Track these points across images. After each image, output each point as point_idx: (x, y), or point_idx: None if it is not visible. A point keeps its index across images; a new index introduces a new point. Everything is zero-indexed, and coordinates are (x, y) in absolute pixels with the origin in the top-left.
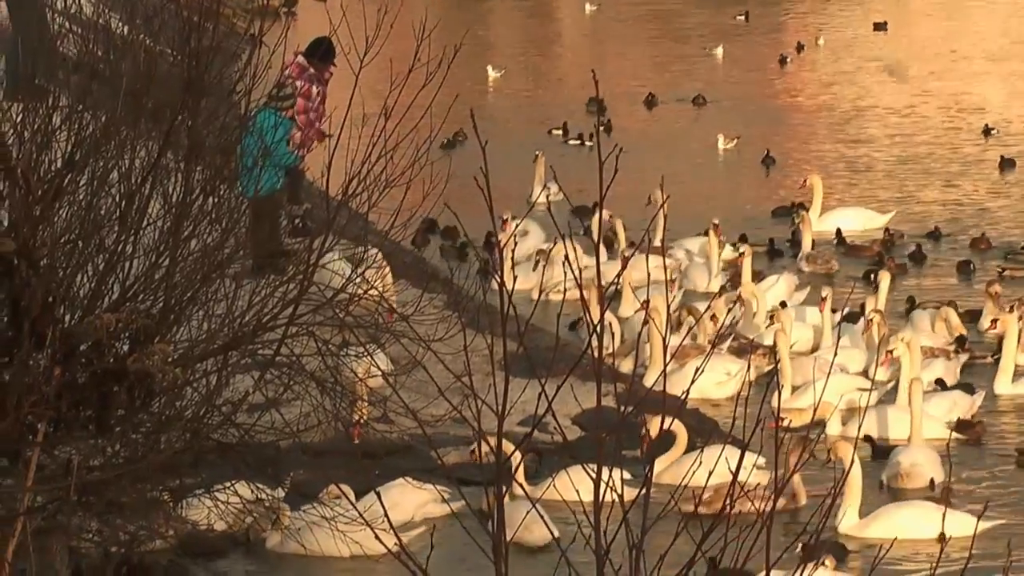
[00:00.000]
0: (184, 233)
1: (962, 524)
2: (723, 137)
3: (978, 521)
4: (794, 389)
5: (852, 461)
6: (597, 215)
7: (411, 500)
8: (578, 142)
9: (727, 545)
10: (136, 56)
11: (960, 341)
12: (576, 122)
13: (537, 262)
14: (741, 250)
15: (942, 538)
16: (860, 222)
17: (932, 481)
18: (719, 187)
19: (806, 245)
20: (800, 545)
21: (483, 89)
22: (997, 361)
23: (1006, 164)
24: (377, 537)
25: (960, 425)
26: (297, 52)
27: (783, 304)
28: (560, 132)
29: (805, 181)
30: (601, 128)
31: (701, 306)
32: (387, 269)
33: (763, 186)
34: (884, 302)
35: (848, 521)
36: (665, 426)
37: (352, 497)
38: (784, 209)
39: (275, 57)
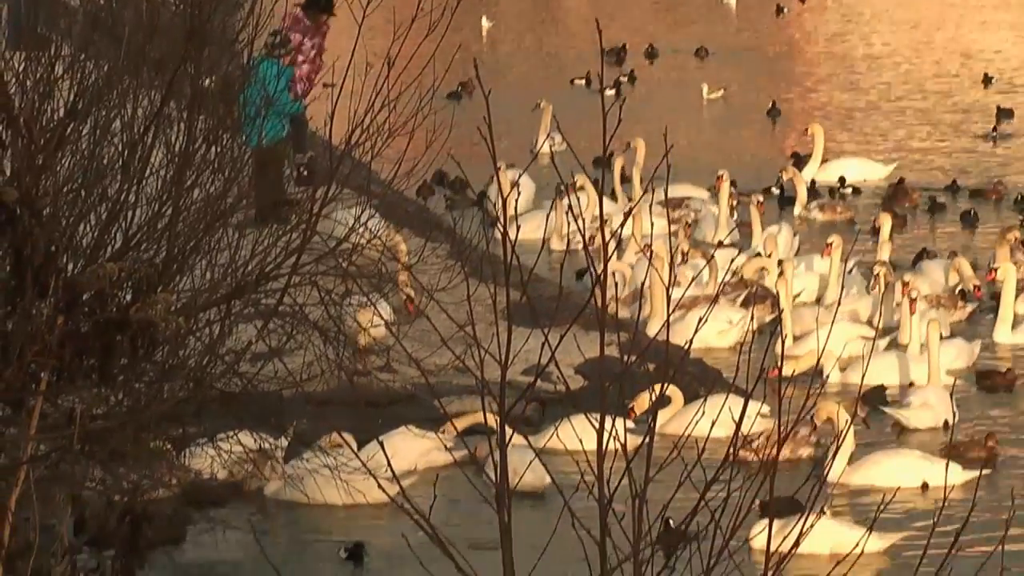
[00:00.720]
0: (187, 182)
1: (949, 474)
2: (707, 87)
3: (980, 475)
4: (797, 338)
5: (850, 418)
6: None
7: (413, 449)
8: (612, 90)
9: (729, 495)
10: (138, 5)
11: (963, 294)
12: (596, 73)
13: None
14: (760, 199)
15: (924, 487)
16: (862, 172)
17: (945, 423)
18: (719, 138)
19: (801, 196)
20: (759, 502)
21: (478, 38)
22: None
23: (1003, 114)
24: (379, 485)
25: (983, 375)
26: (297, 3)
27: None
28: (583, 82)
29: (807, 130)
30: (624, 78)
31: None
32: (400, 243)
33: (769, 136)
34: (886, 245)
35: (836, 469)
36: (656, 395)
37: (353, 445)
38: (796, 155)
39: (277, 6)
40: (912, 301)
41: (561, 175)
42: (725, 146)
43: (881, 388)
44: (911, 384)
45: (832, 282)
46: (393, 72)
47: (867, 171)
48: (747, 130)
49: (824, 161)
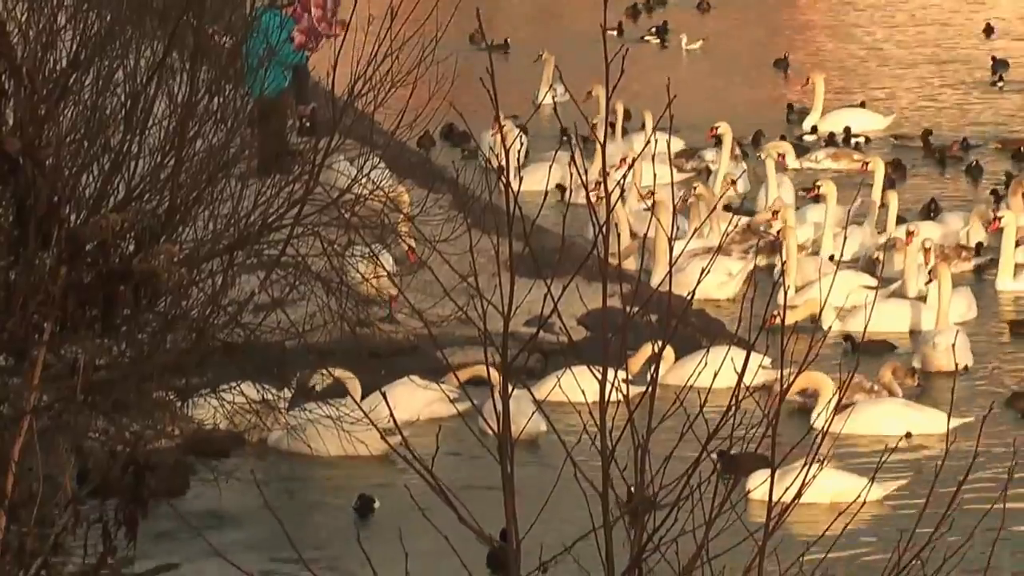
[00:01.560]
0: (189, 133)
1: (933, 422)
2: (686, 38)
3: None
4: (799, 289)
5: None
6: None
7: (416, 399)
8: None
9: (732, 445)
10: None
11: (966, 246)
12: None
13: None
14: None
15: (908, 436)
16: (862, 123)
17: (965, 367)
18: (714, 88)
19: (790, 155)
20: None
21: None
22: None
23: (998, 64)
24: (382, 436)
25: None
26: None
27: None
28: (615, 32)
29: (808, 80)
30: (655, 30)
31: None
32: (404, 194)
33: (768, 86)
34: (879, 189)
35: (823, 418)
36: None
37: (357, 385)
38: (791, 107)
39: None
40: (926, 251)
41: (564, 126)
42: (720, 97)
43: (885, 342)
44: (913, 332)
45: (827, 235)
46: (396, 21)
47: (866, 122)
48: (741, 80)
49: (824, 112)
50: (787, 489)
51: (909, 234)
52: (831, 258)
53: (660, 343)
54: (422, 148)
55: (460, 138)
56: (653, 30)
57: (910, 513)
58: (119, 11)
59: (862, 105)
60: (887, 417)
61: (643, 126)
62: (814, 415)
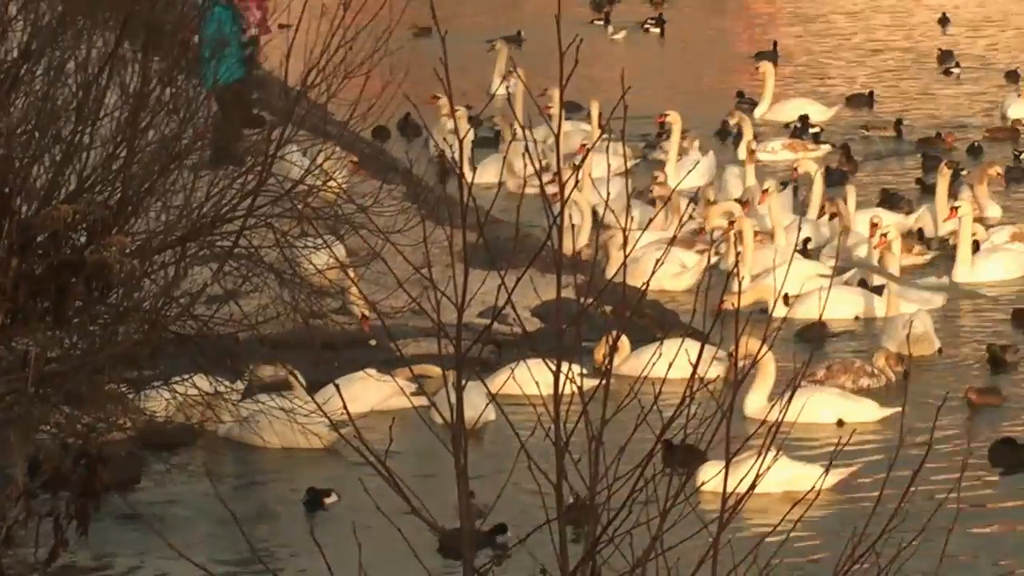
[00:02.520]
0: (141, 124)
1: (866, 411)
2: (611, 27)
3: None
4: (754, 278)
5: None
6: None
7: (371, 392)
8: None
9: (687, 437)
10: None
11: (921, 238)
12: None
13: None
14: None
15: (840, 424)
16: (805, 112)
17: (939, 350)
18: (671, 77)
19: (748, 136)
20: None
21: None
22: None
23: (945, 56)
24: (335, 429)
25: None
26: None
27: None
28: (602, 22)
29: (758, 68)
30: (652, 20)
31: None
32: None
33: (715, 74)
34: (819, 187)
35: (755, 404)
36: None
37: (302, 380)
38: (740, 95)
39: None
40: (883, 237)
41: (517, 116)
42: (673, 85)
43: (822, 324)
44: (857, 318)
45: (778, 231)
46: (349, 13)
47: (813, 112)
48: (690, 68)
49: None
50: (741, 480)
51: (873, 225)
52: (807, 243)
53: (614, 334)
54: (377, 140)
55: (415, 131)
56: (651, 20)
57: (863, 503)
58: (71, 1)
59: (870, 95)
60: (819, 406)
61: (588, 115)
62: (748, 401)
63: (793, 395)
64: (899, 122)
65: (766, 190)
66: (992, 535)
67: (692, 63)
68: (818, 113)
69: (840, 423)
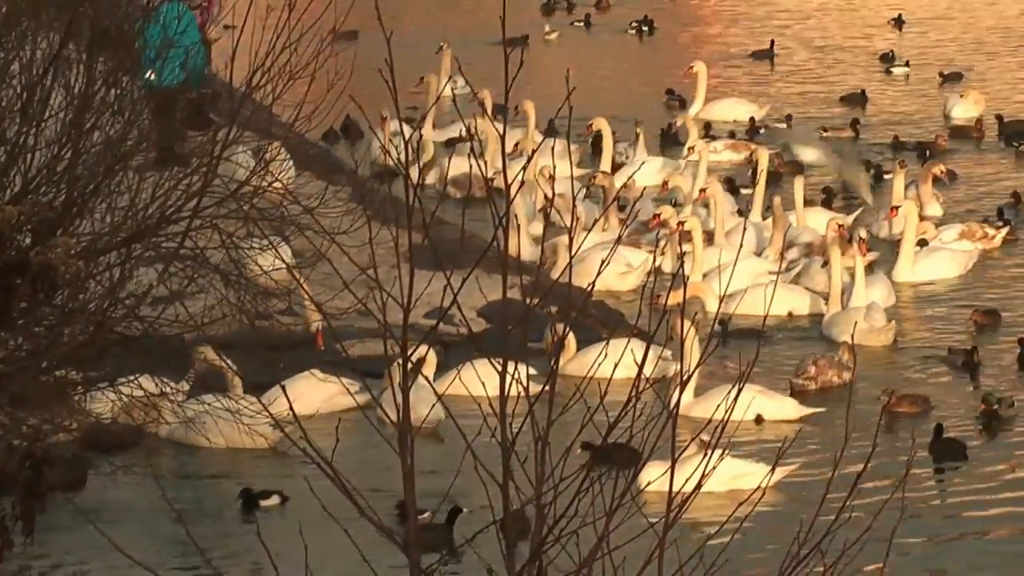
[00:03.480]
0: (86, 125)
1: (785, 409)
2: (548, 27)
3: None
4: (704, 276)
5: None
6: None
7: (317, 393)
8: (582, 23)
9: (632, 437)
10: None
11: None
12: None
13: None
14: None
15: (759, 420)
16: (738, 113)
17: (895, 340)
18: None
19: (693, 136)
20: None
21: None
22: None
23: (886, 57)
24: (280, 429)
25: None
26: None
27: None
28: (582, 23)
29: (691, 68)
30: (636, 23)
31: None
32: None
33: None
34: (762, 187)
35: (682, 399)
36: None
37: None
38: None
39: None
40: (861, 241)
41: (463, 118)
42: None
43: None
44: (790, 314)
45: (717, 224)
46: (294, 14)
47: (743, 111)
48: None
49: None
50: (686, 480)
51: (839, 226)
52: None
53: (559, 333)
54: (325, 141)
55: (357, 132)
56: (633, 24)
57: (808, 501)
58: (15, 2)
59: (862, 94)
60: (739, 403)
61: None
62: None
63: (739, 393)
64: (855, 122)
65: (704, 189)
66: (935, 531)
67: (666, 65)
68: (749, 112)
69: (759, 419)
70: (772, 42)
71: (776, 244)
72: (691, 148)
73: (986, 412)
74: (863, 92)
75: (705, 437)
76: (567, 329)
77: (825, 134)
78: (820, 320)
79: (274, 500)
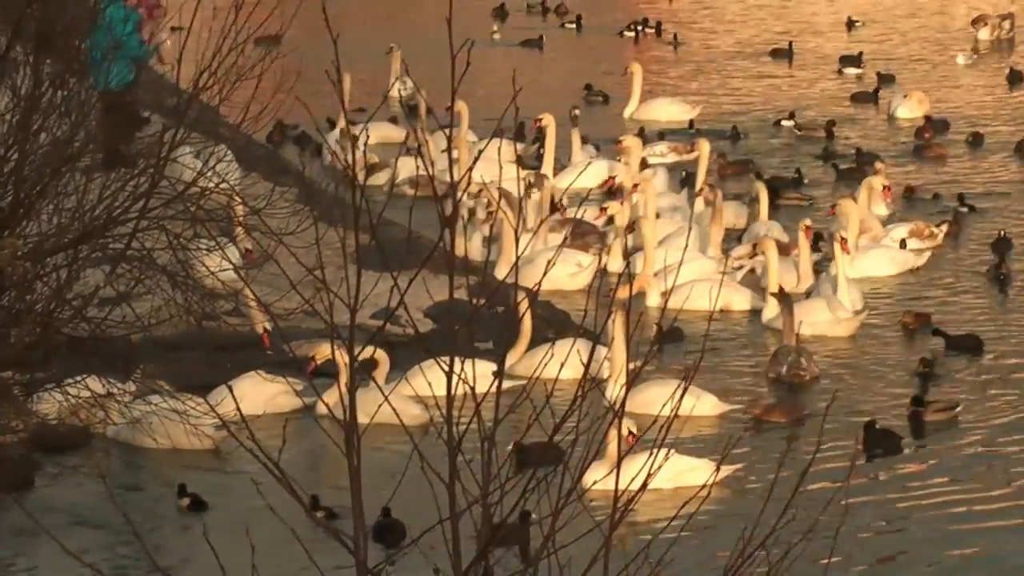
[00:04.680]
0: (33, 126)
1: (705, 405)
2: (496, 25)
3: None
4: (655, 275)
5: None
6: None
7: (262, 393)
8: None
9: (578, 438)
10: None
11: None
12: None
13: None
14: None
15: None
16: (670, 113)
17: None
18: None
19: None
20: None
21: None
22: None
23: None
24: (227, 429)
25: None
26: None
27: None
28: (572, 25)
29: (627, 70)
30: (639, 25)
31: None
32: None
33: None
34: (703, 172)
35: (611, 392)
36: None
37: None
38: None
39: None
40: (843, 240)
41: (410, 120)
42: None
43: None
44: (722, 311)
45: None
46: (241, 15)
47: (676, 112)
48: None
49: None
50: (632, 479)
51: (807, 228)
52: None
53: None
54: (271, 143)
55: (305, 135)
56: (631, 25)
57: (751, 499)
58: None
59: (875, 93)
60: (659, 399)
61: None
62: (609, 388)
63: (685, 390)
64: (831, 124)
65: (636, 185)
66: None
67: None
68: (682, 113)
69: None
70: (790, 44)
71: (715, 239)
72: (620, 142)
73: (914, 414)
74: (876, 91)
75: (630, 429)
76: (511, 336)
77: (799, 133)
78: (757, 315)
79: (208, 501)
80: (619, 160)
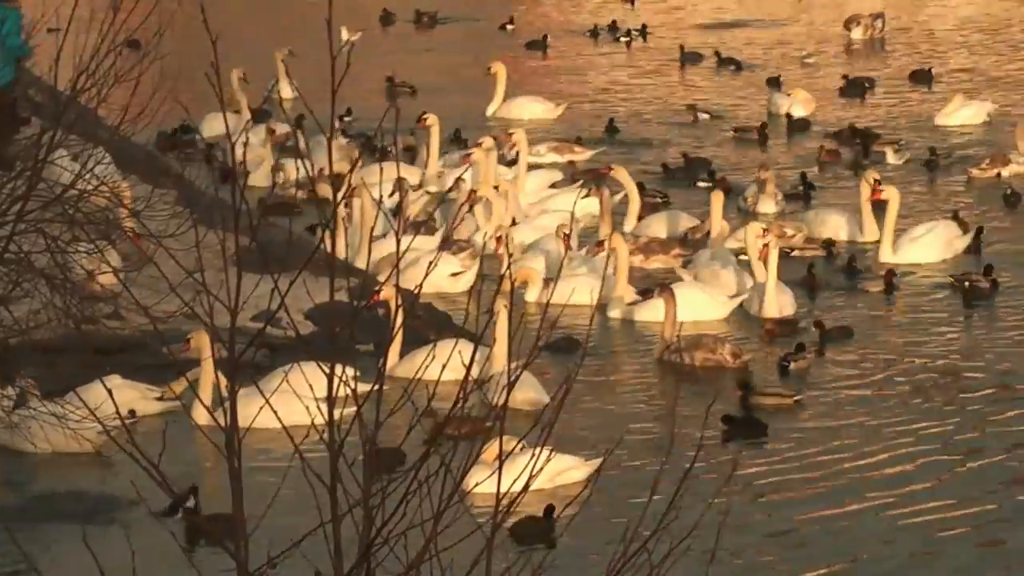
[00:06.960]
0: None
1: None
2: (346, 29)
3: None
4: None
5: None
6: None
7: (118, 396)
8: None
9: (460, 440)
10: None
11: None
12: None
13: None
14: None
15: (542, 408)
16: (533, 112)
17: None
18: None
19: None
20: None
21: None
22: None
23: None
24: (108, 434)
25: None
26: None
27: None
28: (588, 34)
29: (490, 68)
30: (635, 31)
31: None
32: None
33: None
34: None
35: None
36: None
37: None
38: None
39: None
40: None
41: (291, 123)
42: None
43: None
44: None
45: (486, 182)
46: (119, 18)
47: (538, 111)
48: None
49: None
50: (514, 480)
51: (765, 231)
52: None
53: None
54: (150, 144)
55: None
56: (628, 31)
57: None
58: None
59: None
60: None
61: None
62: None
63: (567, 391)
64: (763, 126)
65: (468, 154)
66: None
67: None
68: (545, 112)
69: (543, 409)
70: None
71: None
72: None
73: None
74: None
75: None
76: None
77: (734, 135)
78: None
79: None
80: (507, 151)
